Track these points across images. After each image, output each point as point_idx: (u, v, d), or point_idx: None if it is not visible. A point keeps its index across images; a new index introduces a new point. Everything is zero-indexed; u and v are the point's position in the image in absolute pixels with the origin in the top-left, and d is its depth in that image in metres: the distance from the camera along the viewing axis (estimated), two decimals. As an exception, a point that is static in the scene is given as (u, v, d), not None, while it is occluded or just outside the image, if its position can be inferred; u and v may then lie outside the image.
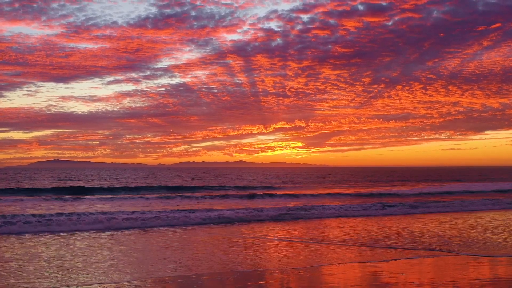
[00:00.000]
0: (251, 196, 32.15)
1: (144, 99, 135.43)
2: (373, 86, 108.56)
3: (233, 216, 19.81)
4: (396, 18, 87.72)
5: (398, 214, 22.49)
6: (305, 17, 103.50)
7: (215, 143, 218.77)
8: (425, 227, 17.55)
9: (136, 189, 41.76)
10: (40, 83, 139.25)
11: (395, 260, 11.26)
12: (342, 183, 62.63)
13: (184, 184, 53.46)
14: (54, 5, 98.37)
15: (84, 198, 30.39)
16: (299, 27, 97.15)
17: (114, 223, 17.20)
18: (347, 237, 14.90)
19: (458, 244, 13.58)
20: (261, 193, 35.62)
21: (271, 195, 33.41)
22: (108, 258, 11.37)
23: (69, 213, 19.49)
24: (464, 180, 70.96)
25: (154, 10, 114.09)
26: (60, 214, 19.12)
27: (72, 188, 41.01)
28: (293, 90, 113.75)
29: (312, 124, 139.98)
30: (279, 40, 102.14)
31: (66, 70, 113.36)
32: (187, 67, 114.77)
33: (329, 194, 35.95)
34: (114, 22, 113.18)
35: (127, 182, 58.52)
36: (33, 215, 18.15)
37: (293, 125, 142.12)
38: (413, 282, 8.94)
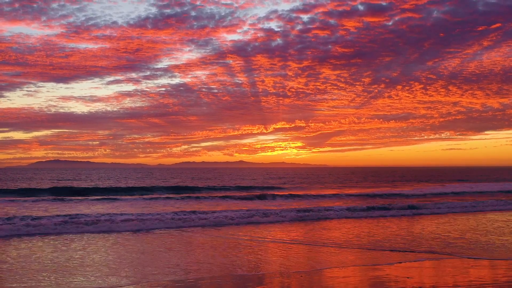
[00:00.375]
0: (261, 197, 31.67)
1: (144, 99, 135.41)
2: (373, 86, 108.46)
3: (235, 218, 19.49)
4: (396, 18, 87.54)
5: (404, 215, 22.12)
6: (305, 17, 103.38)
7: (215, 143, 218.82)
8: (431, 228, 17.25)
9: (135, 190, 41.45)
10: (40, 83, 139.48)
11: (400, 263, 10.97)
12: (345, 183, 62.24)
13: (184, 184, 53.12)
14: (54, 5, 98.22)
15: (82, 199, 30.14)
16: (299, 27, 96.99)
17: (111, 225, 16.86)
18: (350, 239, 14.61)
19: (465, 246, 13.28)
20: (264, 193, 35.29)
21: (273, 196, 33.01)
22: (104, 261, 11.08)
23: (65, 214, 19.18)
24: (467, 180, 70.63)
25: (154, 10, 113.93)
26: (57, 215, 18.82)
27: (70, 188, 40.74)
28: (293, 90, 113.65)
29: (312, 124, 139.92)
30: (279, 40, 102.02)
31: (66, 70, 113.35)
32: (187, 67, 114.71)
33: (333, 195, 35.59)
34: (114, 22, 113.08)
35: (127, 183, 58.22)
36: (29, 217, 17.84)
37: (293, 125, 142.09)
38: (420, 287, 8.64)
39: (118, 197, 31.42)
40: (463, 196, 35.86)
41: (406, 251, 12.44)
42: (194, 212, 20.68)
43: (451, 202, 28.23)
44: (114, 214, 19.52)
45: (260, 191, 40.06)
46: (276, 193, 36.60)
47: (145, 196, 33.08)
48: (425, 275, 9.71)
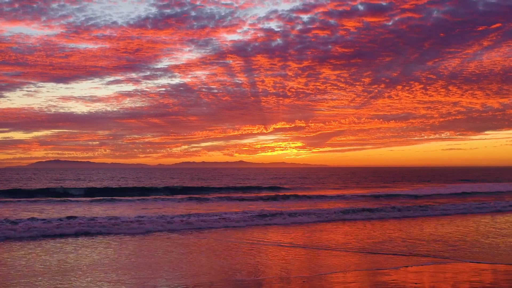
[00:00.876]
0: (264, 198, 31.18)
1: (144, 99, 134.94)
2: (373, 86, 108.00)
3: (237, 220, 19.04)
4: (396, 18, 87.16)
5: (415, 216, 21.53)
6: (305, 17, 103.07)
7: (215, 143, 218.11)
8: (436, 230, 16.83)
9: (135, 190, 41.02)
10: (40, 84, 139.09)
11: (406, 267, 10.52)
12: (348, 183, 61.73)
13: (184, 185, 52.64)
14: (54, 5, 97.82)
15: (79, 200, 29.70)
16: (299, 27, 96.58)
17: (107, 227, 16.38)
18: (353, 242, 14.17)
19: (470, 250, 12.85)
20: (267, 195, 34.86)
21: (276, 197, 32.56)
22: (98, 265, 10.63)
23: (60, 216, 18.76)
24: (469, 180, 70.23)
25: (154, 10, 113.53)
26: (51, 218, 18.40)
27: (67, 189, 40.22)
28: (293, 90, 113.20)
29: (312, 124, 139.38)
30: (279, 40, 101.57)
31: (66, 70, 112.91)
32: (187, 67, 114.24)
33: (338, 195, 34.99)
34: (114, 22, 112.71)
35: (126, 183, 57.79)
36: (23, 219, 17.42)
37: (293, 125, 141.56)
38: (428, 293, 8.21)
39: (116, 198, 30.94)
40: (467, 197, 35.32)
41: (416, 255, 12.00)
42: (195, 214, 20.26)
43: (457, 204, 27.78)
44: (111, 215, 19.09)
45: (260, 192, 39.67)
46: (280, 193, 36.10)
47: (144, 197, 32.67)
48: (433, 281, 9.25)
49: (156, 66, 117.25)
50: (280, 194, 35.02)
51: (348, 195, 35.20)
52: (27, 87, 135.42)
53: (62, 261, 11.01)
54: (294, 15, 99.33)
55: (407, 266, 10.56)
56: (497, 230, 16.83)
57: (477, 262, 11.00)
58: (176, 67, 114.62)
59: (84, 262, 10.92)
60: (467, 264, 10.89)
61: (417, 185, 55.98)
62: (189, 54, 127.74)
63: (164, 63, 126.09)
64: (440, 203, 27.43)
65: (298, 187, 49.79)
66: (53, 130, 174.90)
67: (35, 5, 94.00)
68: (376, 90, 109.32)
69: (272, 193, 36.85)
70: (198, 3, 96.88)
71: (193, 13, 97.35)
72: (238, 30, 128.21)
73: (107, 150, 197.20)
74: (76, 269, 10.17)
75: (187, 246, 13.48)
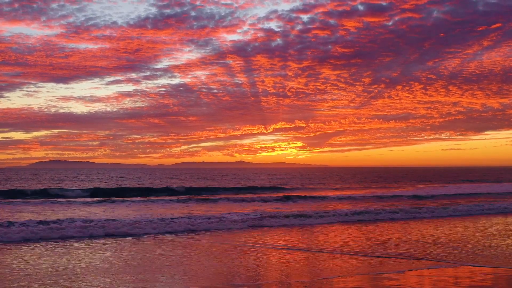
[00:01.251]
0: (265, 199, 30.80)
1: (144, 99, 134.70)
2: (373, 86, 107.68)
3: (237, 222, 18.72)
4: (396, 18, 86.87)
5: (419, 218, 21.03)
6: (305, 17, 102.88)
7: (215, 143, 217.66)
8: (442, 232, 16.52)
9: (134, 191, 40.69)
10: (40, 84, 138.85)
11: (410, 270, 10.19)
12: (349, 183, 61.32)
13: (184, 185, 52.29)
14: (54, 5, 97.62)
15: (76, 201, 29.39)
16: (299, 27, 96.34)
17: (104, 228, 16.05)
18: (356, 245, 13.84)
19: (475, 253, 12.52)
20: (268, 195, 34.55)
21: (275, 198, 32.28)
22: (92, 269, 10.31)
23: (56, 218, 18.44)
24: (471, 180, 69.90)
25: (154, 10, 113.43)
26: (46, 219, 18.09)
27: (65, 190, 39.86)
28: (293, 90, 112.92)
29: (312, 124, 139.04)
30: (279, 40, 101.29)
31: (66, 71, 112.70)
32: (187, 67, 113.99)
33: (340, 196, 34.48)
34: (114, 22, 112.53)
35: (125, 182, 57.46)
36: (17, 221, 17.10)
37: (293, 125, 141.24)
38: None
39: (115, 198, 30.59)
40: (471, 197, 34.83)
41: (422, 259, 11.69)
42: (195, 216, 19.94)
43: (461, 205, 27.44)
44: (109, 216, 18.77)
45: (260, 192, 39.40)
46: (282, 194, 35.79)
47: (143, 198, 32.35)
48: (437, 286, 8.93)
49: (156, 66, 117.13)
50: (282, 194, 34.55)
51: (350, 196, 34.78)
52: (27, 87, 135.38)
53: (56, 265, 10.69)
54: (294, 15, 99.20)
55: (411, 270, 10.24)
56: (503, 232, 16.51)
57: (481, 266, 10.69)
58: (176, 67, 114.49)
59: (79, 266, 10.60)
60: (471, 267, 10.56)
61: (419, 185, 55.66)
62: (189, 54, 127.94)
63: (164, 63, 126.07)
64: (444, 204, 27.07)
65: (299, 188, 49.40)
66: (53, 130, 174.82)
67: (35, 5, 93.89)
68: (376, 90, 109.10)
69: (273, 194, 36.51)
70: (198, 3, 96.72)
71: (193, 13, 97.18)
72: (238, 30, 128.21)
73: (107, 150, 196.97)
74: (69, 273, 9.84)
75: (186, 248, 13.17)
